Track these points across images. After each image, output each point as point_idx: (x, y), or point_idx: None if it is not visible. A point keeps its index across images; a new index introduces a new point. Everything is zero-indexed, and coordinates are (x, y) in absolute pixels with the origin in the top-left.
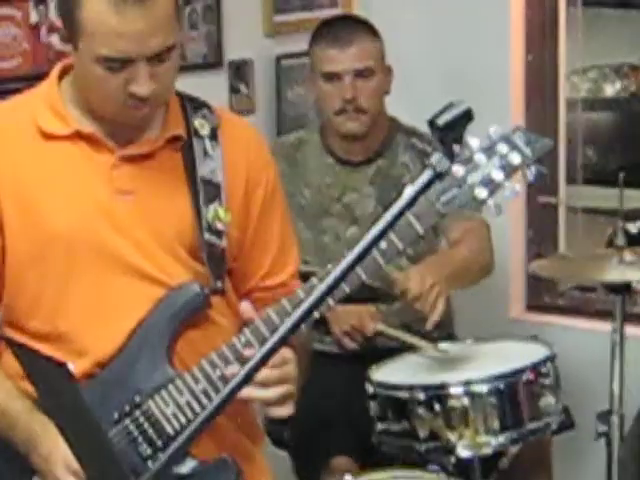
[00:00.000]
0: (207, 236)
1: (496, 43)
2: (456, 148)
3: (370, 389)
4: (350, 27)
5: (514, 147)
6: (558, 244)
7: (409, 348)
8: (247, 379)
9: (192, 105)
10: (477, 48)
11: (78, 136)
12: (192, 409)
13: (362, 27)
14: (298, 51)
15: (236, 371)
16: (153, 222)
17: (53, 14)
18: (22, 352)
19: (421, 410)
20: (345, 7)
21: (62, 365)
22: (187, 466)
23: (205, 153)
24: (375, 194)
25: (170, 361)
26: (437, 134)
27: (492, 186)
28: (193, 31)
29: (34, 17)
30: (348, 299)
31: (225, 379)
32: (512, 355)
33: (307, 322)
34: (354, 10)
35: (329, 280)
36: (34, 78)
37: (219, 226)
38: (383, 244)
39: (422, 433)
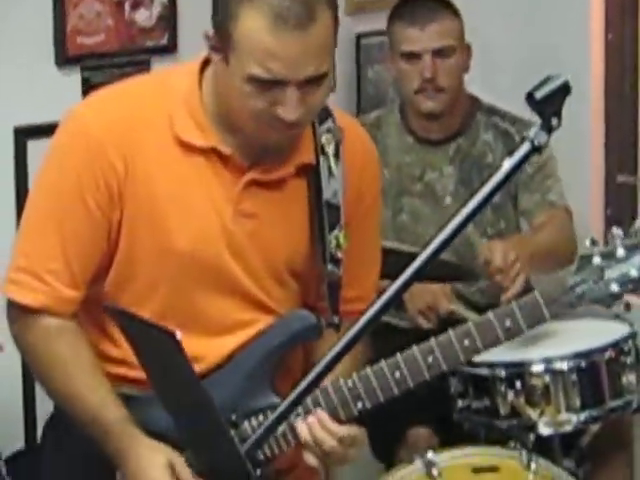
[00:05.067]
0: (330, 267)
1: (576, 21)
2: (554, 121)
3: None
4: (429, 5)
5: None
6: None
7: None
8: None
9: (318, 117)
10: (557, 26)
11: (213, 151)
12: (287, 440)
13: (442, 5)
14: (378, 29)
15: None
16: (267, 248)
17: None
18: (125, 319)
19: (502, 387)
20: None
21: (170, 334)
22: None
23: (330, 173)
24: (455, 173)
25: (273, 387)
26: (535, 107)
27: (629, 285)
28: None
29: None
30: (427, 277)
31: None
32: (593, 333)
33: None
34: None
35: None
36: (118, 54)
37: (339, 255)
38: (507, 322)
39: (503, 410)
